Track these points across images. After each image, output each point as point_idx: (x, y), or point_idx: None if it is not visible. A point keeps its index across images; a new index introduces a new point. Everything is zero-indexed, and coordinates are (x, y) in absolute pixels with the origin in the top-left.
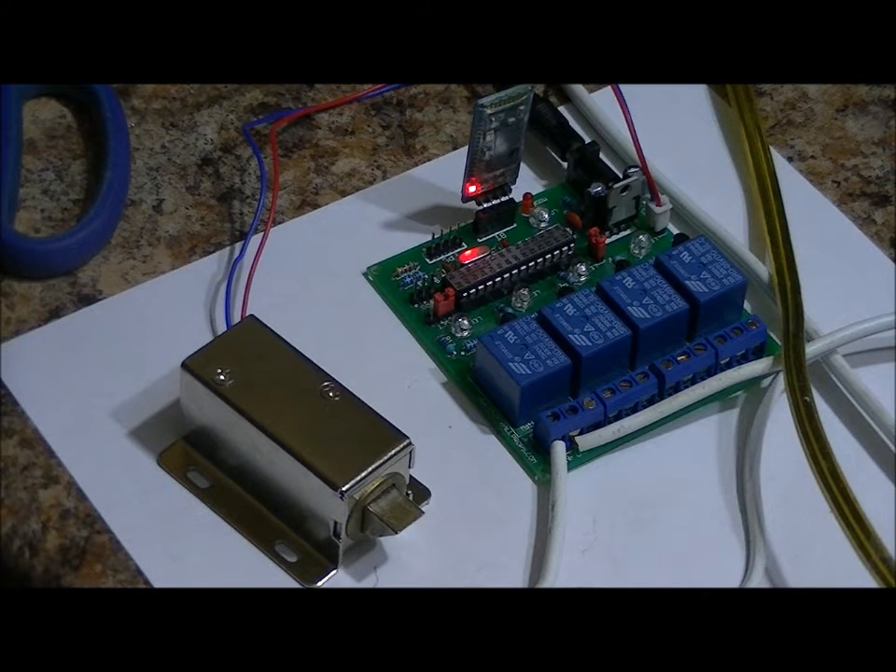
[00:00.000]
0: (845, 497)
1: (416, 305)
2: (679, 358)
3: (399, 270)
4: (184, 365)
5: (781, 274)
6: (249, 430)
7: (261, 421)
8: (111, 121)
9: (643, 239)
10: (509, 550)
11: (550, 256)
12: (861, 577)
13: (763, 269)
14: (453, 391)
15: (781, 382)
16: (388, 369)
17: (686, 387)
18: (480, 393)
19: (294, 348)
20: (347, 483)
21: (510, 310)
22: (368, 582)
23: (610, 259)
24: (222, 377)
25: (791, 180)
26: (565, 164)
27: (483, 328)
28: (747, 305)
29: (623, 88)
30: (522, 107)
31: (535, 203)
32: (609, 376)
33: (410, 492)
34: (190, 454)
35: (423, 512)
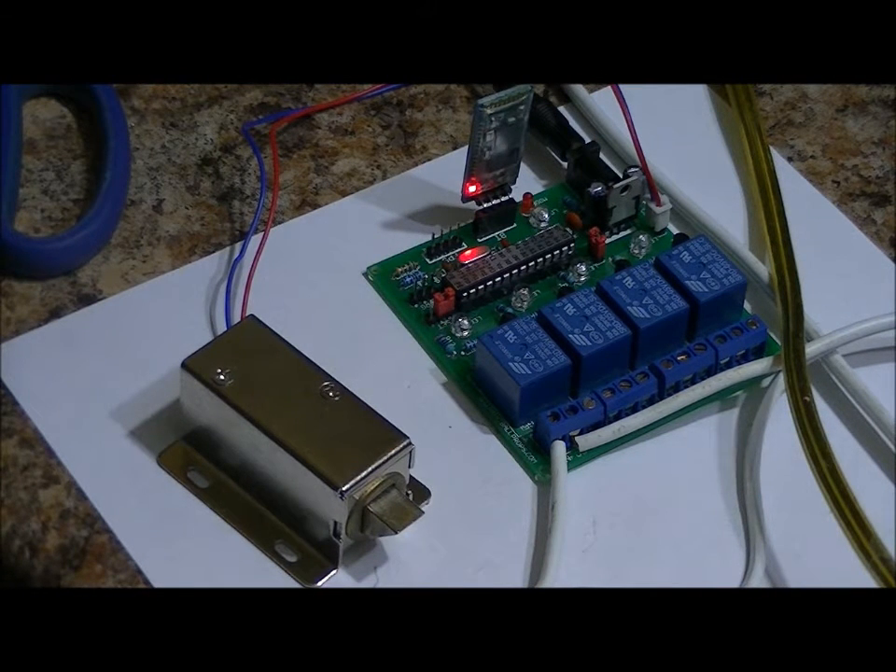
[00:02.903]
0: (845, 497)
1: (416, 305)
2: (678, 358)
3: (399, 270)
4: (184, 365)
5: (781, 274)
6: (249, 430)
7: (261, 421)
8: (111, 121)
9: (643, 239)
10: (508, 550)
11: (550, 256)
12: (861, 577)
13: (763, 269)
14: (453, 391)
15: (781, 382)
16: (388, 369)
17: (686, 387)
18: (480, 393)
19: (294, 348)
20: (347, 483)
21: (510, 310)
22: (368, 582)
23: (610, 259)
24: (222, 377)
25: (791, 180)
26: (565, 164)
27: (483, 328)
28: (747, 305)
29: (623, 88)
30: (522, 107)
31: (535, 203)
32: (609, 376)
33: (410, 492)
34: (190, 454)
35: (423, 512)
